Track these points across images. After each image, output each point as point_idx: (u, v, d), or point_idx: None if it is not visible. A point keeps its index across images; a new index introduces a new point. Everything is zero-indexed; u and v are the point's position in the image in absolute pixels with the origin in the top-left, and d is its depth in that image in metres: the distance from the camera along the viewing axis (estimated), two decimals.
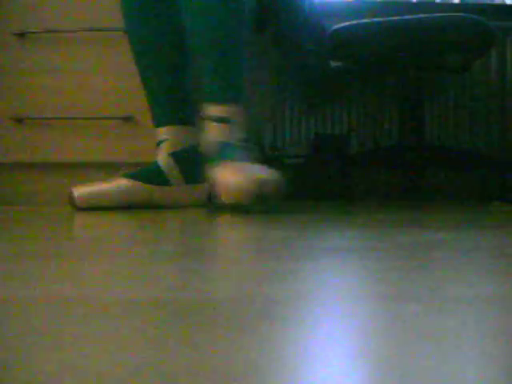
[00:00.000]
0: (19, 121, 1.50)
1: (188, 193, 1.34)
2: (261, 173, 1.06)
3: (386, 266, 0.46)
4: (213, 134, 1.18)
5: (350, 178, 1.69)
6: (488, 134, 2.04)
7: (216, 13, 1.21)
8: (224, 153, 1.16)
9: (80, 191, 1.25)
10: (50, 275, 0.43)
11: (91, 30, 1.48)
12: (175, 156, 1.32)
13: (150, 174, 1.31)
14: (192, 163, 1.34)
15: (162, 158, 1.32)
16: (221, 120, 1.19)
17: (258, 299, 0.34)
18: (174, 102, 1.34)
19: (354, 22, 1.66)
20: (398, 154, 1.74)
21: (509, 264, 0.47)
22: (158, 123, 1.34)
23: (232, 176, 1.06)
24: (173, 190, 1.33)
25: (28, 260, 0.51)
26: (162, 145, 1.33)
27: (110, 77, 1.49)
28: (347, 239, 0.65)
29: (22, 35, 1.49)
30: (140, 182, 1.29)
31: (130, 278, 0.42)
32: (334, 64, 1.77)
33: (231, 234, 0.75)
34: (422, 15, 1.63)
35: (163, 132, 1.33)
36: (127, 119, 1.48)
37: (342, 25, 1.65)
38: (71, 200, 1.24)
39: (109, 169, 1.52)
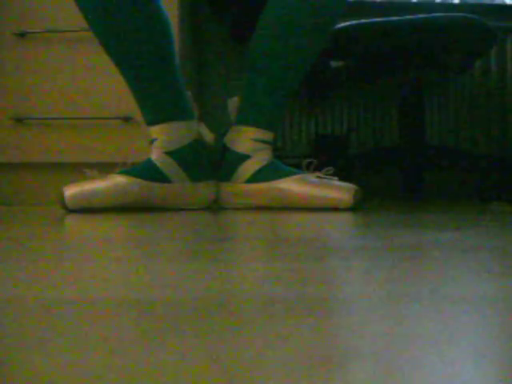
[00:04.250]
0: (19, 121, 1.50)
1: (193, 191, 1.23)
2: (343, 183, 1.20)
3: (386, 266, 0.46)
4: (259, 155, 1.27)
5: (350, 178, 1.69)
6: (488, 134, 2.04)
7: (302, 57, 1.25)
8: (277, 169, 1.26)
9: (71, 191, 1.14)
10: (51, 276, 0.43)
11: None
12: (174, 155, 1.22)
13: (147, 171, 1.19)
14: (195, 160, 1.24)
15: (158, 157, 1.21)
16: (269, 143, 1.29)
17: (259, 299, 0.34)
18: (162, 98, 1.22)
19: (354, 21, 1.66)
20: (398, 154, 1.74)
21: (509, 264, 0.47)
22: (148, 122, 1.24)
23: (324, 188, 1.19)
24: (175, 188, 1.22)
25: (28, 260, 0.51)
26: (155, 143, 1.23)
27: (109, 77, 1.49)
28: (346, 239, 0.65)
29: (22, 35, 1.49)
30: (138, 179, 1.17)
31: (133, 278, 0.42)
32: (334, 64, 1.77)
33: (233, 233, 0.75)
34: (421, 15, 1.64)
35: (155, 131, 1.23)
36: (127, 119, 1.48)
37: (343, 25, 1.65)
38: (61, 201, 1.14)
39: (109, 169, 1.52)
